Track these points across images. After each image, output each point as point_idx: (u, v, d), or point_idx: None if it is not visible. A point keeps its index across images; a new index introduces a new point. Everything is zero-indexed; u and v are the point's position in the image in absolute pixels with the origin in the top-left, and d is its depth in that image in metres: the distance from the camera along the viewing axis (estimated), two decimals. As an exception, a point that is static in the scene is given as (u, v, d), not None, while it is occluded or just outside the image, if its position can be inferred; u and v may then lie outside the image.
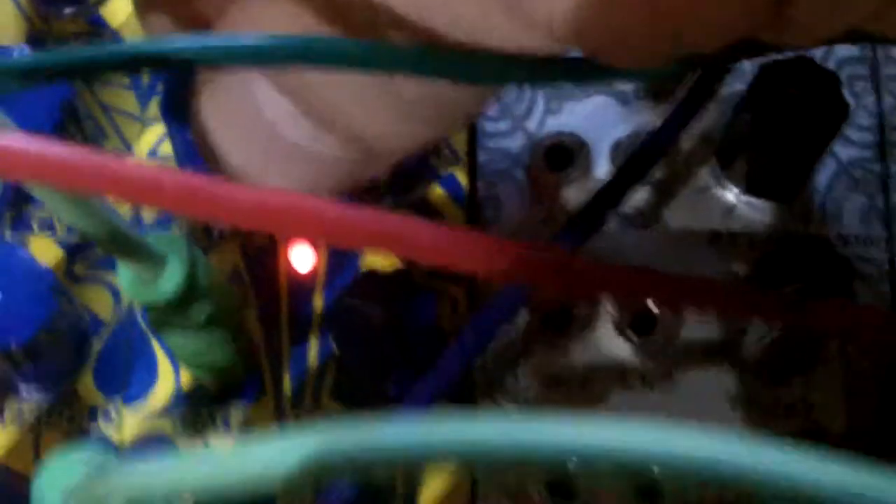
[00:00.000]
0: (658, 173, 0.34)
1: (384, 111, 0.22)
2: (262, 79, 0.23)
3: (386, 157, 0.24)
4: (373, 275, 0.30)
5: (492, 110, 0.35)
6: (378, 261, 0.33)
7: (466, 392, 0.32)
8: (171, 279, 0.26)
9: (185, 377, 0.33)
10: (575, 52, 0.20)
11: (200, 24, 0.23)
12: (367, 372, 0.30)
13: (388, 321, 0.29)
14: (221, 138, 0.24)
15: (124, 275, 0.27)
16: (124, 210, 0.33)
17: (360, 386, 0.31)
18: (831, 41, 0.21)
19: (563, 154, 0.35)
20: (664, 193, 0.35)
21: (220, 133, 0.24)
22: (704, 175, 0.35)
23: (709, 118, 0.35)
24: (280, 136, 0.24)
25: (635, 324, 0.33)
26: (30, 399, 0.32)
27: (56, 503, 0.21)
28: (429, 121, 0.23)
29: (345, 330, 0.29)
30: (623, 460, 0.15)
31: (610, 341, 0.33)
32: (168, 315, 0.28)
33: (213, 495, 0.17)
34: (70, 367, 0.31)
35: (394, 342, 0.29)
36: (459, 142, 0.35)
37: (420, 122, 0.23)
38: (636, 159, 0.31)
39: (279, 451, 0.16)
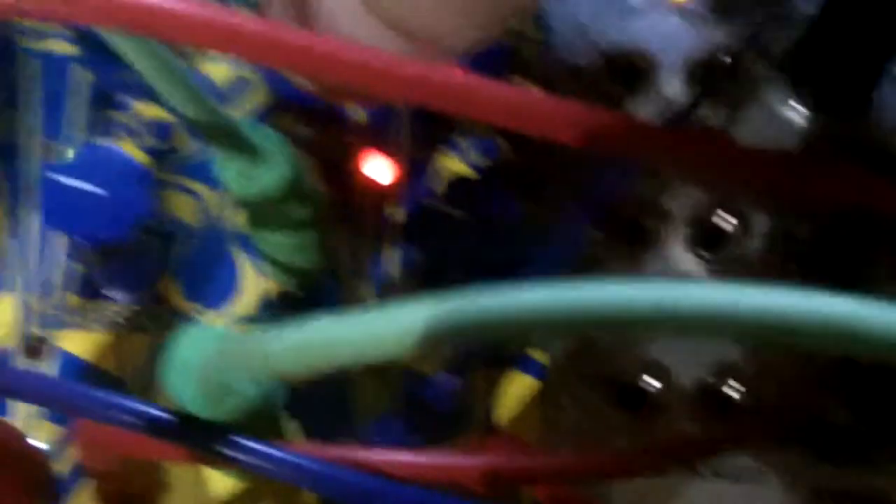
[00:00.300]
0: (726, 92, 0.35)
1: (443, 8, 0.23)
2: None
3: (443, 54, 0.25)
4: (456, 180, 0.31)
5: (560, 23, 0.36)
6: (456, 168, 0.34)
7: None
8: (274, 172, 0.27)
9: (269, 284, 0.33)
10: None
11: None
12: (450, 274, 0.30)
13: (473, 223, 0.30)
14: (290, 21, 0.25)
15: (226, 167, 0.27)
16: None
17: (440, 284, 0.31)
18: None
19: (632, 69, 0.35)
20: (732, 112, 0.35)
21: (283, 11, 0.25)
22: (772, 94, 0.35)
23: (778, 36, 0.35)
24: (339, 26, 0.24)
25: (706, 240, 0.34)
26: (115, 300, 0.32)
27: (190, 368, 0.22)
28: (484, 19, 0.23)
29: (430, 233, 0.30)
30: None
31: (680, 256, 0.34)
32: (266, 211, 0.28)
33: (344, 360, 0.17)
34: (157, 268, 0.32)
35: (479, 243, 0.30)
36: (528, 56, 0.35)
37: (475, 20, 0.23)
38: (706, 76, 0.32)
39: (405, 315, 0.16)
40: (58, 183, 0.29)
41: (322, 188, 0.29)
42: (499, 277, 0.31)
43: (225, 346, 0.21)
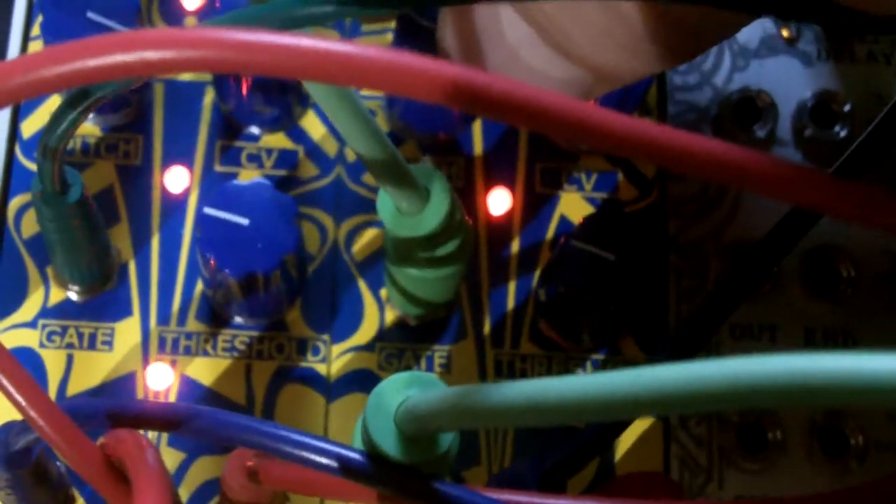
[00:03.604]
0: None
1: (613, 44, 0.24)
2: (507, 7, 0.25)
3: (610, 83, 0.25)
4: (596, 217, 0.31)
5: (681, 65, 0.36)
6: (577, 206, 0.34)
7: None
8: (435, 213, 0.27)
9: (390, 315, 0.33)
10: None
11: None
12: (592, 309, 0.30)
13: (617, 261, 0.30)
14: (464, 57, 0.25)
15: (386, 207, 0.27)
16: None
17: (576, 323, 0.32)
18: None
19: (751, 109, 0.35)
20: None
21: (463, 52, 0.26)
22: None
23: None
24: (519, 58, 0.25)
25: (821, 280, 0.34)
26: (242, 329, 0.33)
27: (392, 414, 0.22)
28: (651, 57, 0.24)
29: (576, 272, 0.30)
30: None
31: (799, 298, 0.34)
32: (415, 249, 0.28)
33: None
34: (286, 298, 0.32)
35: (622, 279, 0.30)
36: (650, 94, 0.35)
37: (644, 57, 0.24)
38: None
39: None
40: (211, 216, 0.29)
41: (470, 223, 0.29)
42: (632, 313, 0.31)
43: (435, 395, 0.21)
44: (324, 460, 0.22)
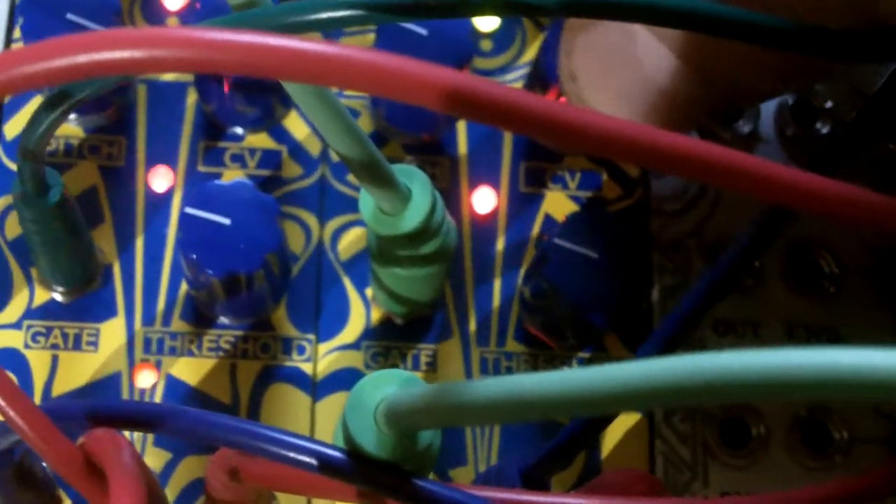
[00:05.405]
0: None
1: (756, 65, 0.23)
2: (642, 28, 0.24)
3: (746, 101, 0.25)
4: (580, 216, 0.31)
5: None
6: (561, 205, 0.34)
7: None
8: (417, 212, 0.27)
9: (376, 314, 0.33)
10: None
11: None
12: (576, 307, 0.30)
13: (600, 259, 0.30)
14: (589, 73, 0.25)
15: (367, 206, 0.27)
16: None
17: (561, 321, 0.32)
18: None
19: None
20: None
21: (588, 68, 0.26)
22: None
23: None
24: (652, 80, 0.25)
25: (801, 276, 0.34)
26: (227, 328, 0.33)
27: (372, 411, 0.22)
28: (789, 76, 0.24)
29: (560, 270, 0.30)
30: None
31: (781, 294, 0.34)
32: (398, 247, 0.28)
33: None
34: (272, 297, 0.32)
35: (606, 277, 0.30)
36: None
37: (783, 77, 0.24)
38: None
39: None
40: (193, 216, 0.29)
41: (453, 222, 0.29)
42: (617, 306, 0.31)
43: (413, 392, 0.21)
44: (302, 458, 0.22)
